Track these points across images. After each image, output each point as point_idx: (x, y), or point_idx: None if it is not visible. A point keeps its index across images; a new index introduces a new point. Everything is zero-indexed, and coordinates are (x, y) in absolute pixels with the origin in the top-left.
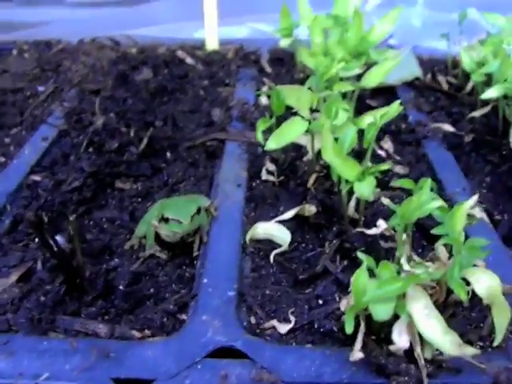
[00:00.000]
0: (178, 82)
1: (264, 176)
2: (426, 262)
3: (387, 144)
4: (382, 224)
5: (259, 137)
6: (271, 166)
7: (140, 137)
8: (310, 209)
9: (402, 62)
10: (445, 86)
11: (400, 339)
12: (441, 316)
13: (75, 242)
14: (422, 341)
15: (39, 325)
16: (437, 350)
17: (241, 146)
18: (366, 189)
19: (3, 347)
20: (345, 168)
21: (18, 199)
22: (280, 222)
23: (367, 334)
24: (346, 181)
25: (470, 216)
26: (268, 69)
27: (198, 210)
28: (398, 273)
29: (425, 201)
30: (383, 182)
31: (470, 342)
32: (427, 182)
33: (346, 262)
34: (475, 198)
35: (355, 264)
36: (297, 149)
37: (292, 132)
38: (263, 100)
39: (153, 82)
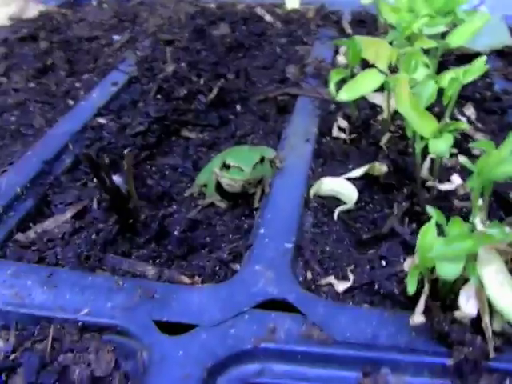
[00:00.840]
0: (255, 38)
1: (335, 133)
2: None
3: (469, 110)
4: (456, 179)
5: (332, 88)
6: (343, 123)
7: (210, 87)
8: (381, 168)
9: (491, 29)
10: None
11: (467, 305)
12: None
13: (130, 181)
14: (492, 310)
15: (87, 261)
16: (508, 322)
17: (313, 102)
18: (442, 145)
19: (47, 280)
20: (421, 123)
21: (81, 139)
22: (348, 179)
23: (431, 298)
24: (421, 138)
25: None
26: (349, 30)
27: (262, 160)
28: (471, 232)
29: (506, 156)
30: (463, 148)
31: None
32: (510, 137)
33: (414, 226)
34: None
35: None
36: (372, 107)
37: (367, 84)
38: (340, 59)
39: (229, 37)
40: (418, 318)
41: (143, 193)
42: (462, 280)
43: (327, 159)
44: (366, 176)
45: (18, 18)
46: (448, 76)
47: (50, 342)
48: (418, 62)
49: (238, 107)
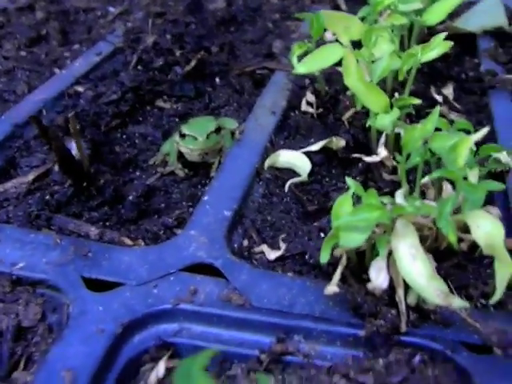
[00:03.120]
0: (249, 13)
1: (303, 107)
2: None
3: (448, 90)
4: (382, 151)
5: (294, 61)
6: (311, 98)
7: (189, 59)
8: (339, 142)
9: (487, 9)
10: None
11: (377, 277)
12: (429, 260)
13: (79, 145)
14: (407, 285)
15: (35, 220)
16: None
17: (288, 77)
18: (387, 120)
19: None
20: (370, 97)
21: (56, 106)
22: (306, 153)
23: (350, 271)
24: (376, 115)
25: (496, 160)
26: (343, 6)
27: (218, 130)
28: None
29: (429, 130)
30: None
31: (469, 297)
32: (436, 110)
33: None
34: (485, 130)
35: None
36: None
37: (326, 58)
38: (328, 35)
39: (224, 11)
40: (332, 288)
41: (110, 159)
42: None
43: (291, 133)
44: (324, 150)
45: None
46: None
47: None
48: (379, 37)
49: (217, 80)
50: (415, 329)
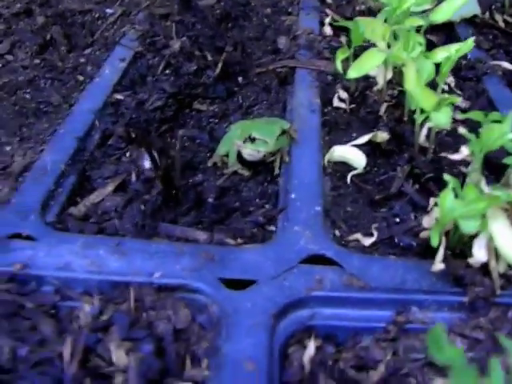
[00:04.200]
0: (241, 9)
1: (336, 103)
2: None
3: (449, 78)
4: (464, 150)
5: (338, 66)
6: (343, 94)
7: (215, 61)
8: (383, 135)
9: None
10: (502, 25)
11: (479, 252)
12: None
13: (177, 157)
14: (498, 257)
15: (143, 230)
16: (509, 265)
17: (311, 74)
18: (443, 118)
19: (116, 248)
20: (423, 98)
21: (104, 116)
22: (354, 146)
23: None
24: (422, 111)
25: None
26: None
27: (282, 132)
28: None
29: (506, 131)
30: None
31: None
32: (510, 117)
33: (417, 186)
34: None
35: (426, 188)
36: (365, 79)
37: (371, 62)
38: (327, 30)
39: (217, 8)
40: (438, 265)
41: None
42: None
43: (332, 128)
44: (368, 143)
45: None
46: (440, 54)
47: (132, 303)
48: (415, 42)
49: (240, 79)
50: (505, 291)
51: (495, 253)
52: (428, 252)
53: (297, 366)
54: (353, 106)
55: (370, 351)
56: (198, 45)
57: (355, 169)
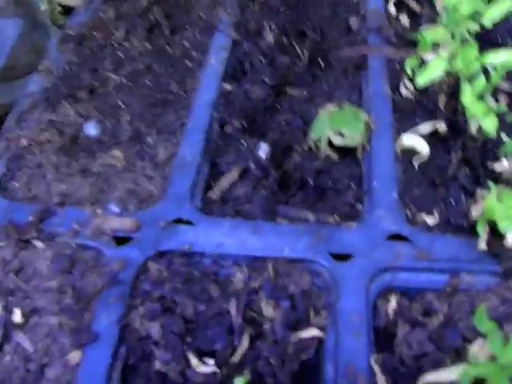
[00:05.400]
0: None
1: (403, 92)
2: None
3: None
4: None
5: (408, 72)
6: (408, 84)
7: (302, 49)
8: (442, 125)
9: None
10: None
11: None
12: None
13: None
14: None
15: (268, 213)
16: None
17: (381, 61)
18: (491, 127)
19: (254, 229)
20: (475, 109)
21: (217, 106)
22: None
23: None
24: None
25: None
26: None
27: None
28: None
29: None
30: None
31: None
32: None
33: (468, 171)
34: None
35: (476, 174)
36: None
37: (436, 72)
38: (391, 9)
39: None
40: (482, 245)
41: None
42: None
43: (400, 115)
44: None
45: None
46: (492, 57)
47: (271, 273)
48: (474, 52)
49: (321, 63)
50: None
51: None
52: (476, 232)
53: (383, 315)
54: (416, 94)
55: (433, 304)
56: (285, 32)
57: (418, 154)
